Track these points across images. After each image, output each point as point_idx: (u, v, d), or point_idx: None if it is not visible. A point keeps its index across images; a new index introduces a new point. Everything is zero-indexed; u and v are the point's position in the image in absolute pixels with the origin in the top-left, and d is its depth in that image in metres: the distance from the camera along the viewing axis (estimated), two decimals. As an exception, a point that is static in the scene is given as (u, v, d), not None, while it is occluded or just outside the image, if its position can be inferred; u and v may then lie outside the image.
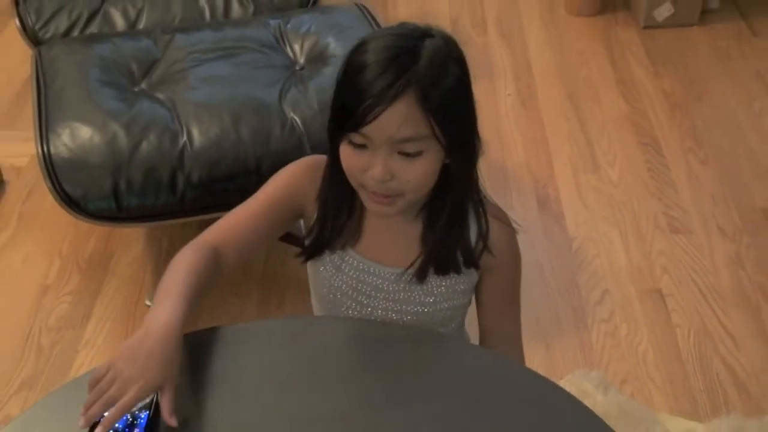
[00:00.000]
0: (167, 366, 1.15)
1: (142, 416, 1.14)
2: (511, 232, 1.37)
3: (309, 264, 1.41)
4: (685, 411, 2.09)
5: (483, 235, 1.33)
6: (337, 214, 1.33)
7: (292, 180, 1.36)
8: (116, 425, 1.11)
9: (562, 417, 1.19)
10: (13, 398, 2.14)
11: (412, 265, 1.33)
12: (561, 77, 3.28)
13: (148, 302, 2.30)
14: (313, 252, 1.37)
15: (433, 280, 1.35)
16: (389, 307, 1.37)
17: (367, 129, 1.17)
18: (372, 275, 1.36)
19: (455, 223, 1.31)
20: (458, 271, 1.34)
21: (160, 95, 2.19)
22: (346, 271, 1.36)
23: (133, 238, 2.58)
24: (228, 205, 2.05)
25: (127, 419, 1.13)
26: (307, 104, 2.14)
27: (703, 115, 3.08)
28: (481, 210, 1.33)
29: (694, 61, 3.34)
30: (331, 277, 1.38)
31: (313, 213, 1.36)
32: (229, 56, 2.30)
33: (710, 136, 2.98)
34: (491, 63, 3.36)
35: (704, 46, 3.41)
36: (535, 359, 2.17)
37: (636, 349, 2.26)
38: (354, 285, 1.37)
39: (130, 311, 2.37)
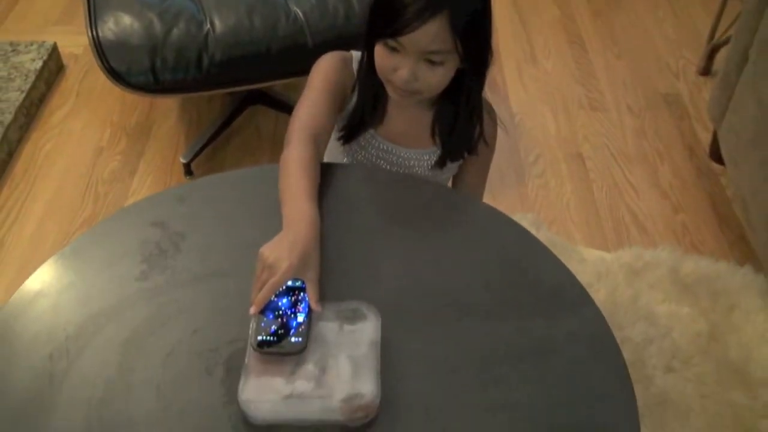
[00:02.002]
0: (309, 254, 1.01)
1: (302, 297, 0.99)
2: (495, 126, 1.33)
3: (333, 140, 1.33)
4: (598, 244, 2.08)
5: (481, 129, 1.28)
6: (370, 100, 1.26)
7: (334, 70, 1.26)
8: (280, 304, 0.97)
9: (507, 236, 1.16)
10: (77, 232, 2.10)
11: (430, 145, 1.29)
12: (508, -12, 3.14)
13: (182, 159, 2.23)
14: (353, 133, 1.29)
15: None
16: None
17: (402, 39, 1.10)
18: (390, 153, 1.31)
19: (469, 120, 1.26)
20: (463, 157, 1.32)
21: (187, -8, 2.06)
22: (369, 149, 1.31)
23: (168, 109, 2.50)
24: (244, 80, 2.03)
25: (291, 299, 0.98)
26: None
27: (619, 20, 2.98)
28: (480, 107, 1.27)
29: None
30: (355, 152, 1.32)
31: (350, 98, 1.28)
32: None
33: (624, 36, 2.89)
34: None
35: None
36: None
37: (561, 198, 2.23)
38: (374, 160, 1.32)
39: (167, 168, 2.30)
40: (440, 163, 1.30)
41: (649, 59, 2.78)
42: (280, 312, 0.96)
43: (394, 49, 1.13)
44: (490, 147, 1.33)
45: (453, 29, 1.09)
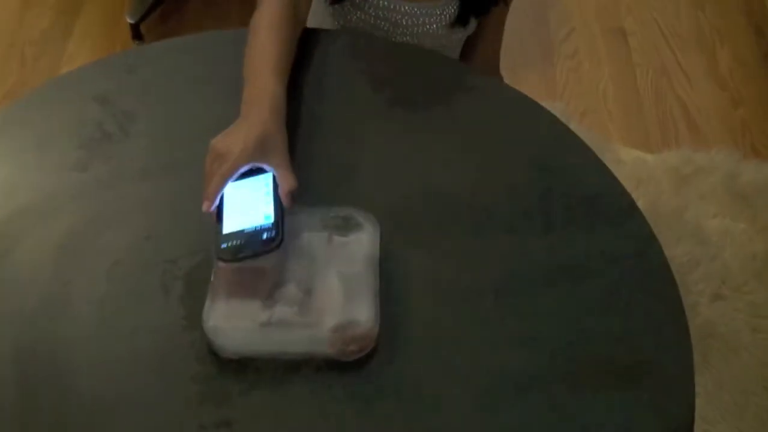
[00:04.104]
0: (269, 136, 0.94)
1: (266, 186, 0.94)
2: None
3: (320, 2, 1.28)
4: (638, 143, 2.06)
5: None
6: None
7: None
8: (239, 197, 0.92)
9: (537, 128, 1.14)
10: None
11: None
12: None
13: (129, 19, 2.15)
14: None
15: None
16: (405, 42, 1.28)
17: None
18: (393, 11, 1.25)
19: None
20: (488, 10, 1.28)
21: None
22: (366, 7, 1.25)
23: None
24: None
25: (253, 191, 0.93)
26: None
27: None
28: None
29: None
30: (348, 14, 1.26)
31: None
32: None
33: None
34: None
35: None
36: (502, 89, 2.10)
37: (597, 84, 2.20)
38: (372, 22, 1.26)
39: (110, 29, 2.23)
40: (462, 19, 1.26)
41: None
42: (241, 206, 0.91)
43: None
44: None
45: None
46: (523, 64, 2.21)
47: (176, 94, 1.13)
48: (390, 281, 0.92)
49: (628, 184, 1.83)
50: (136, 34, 2.16)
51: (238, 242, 0.88)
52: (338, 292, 0.88)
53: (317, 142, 1.06)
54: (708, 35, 2.33)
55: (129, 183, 1.03)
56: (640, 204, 1.80)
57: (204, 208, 0.91)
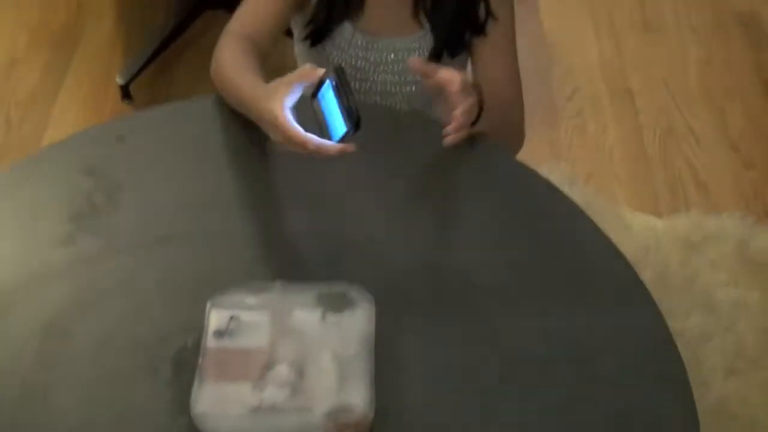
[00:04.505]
0: (269, 89, 1.04)
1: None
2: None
3: (301, 48, 1.33)
4: (647, 207, 2.07)
5: (486, 3, 1.26)
6: None
7: None
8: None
9: (539, 201, 1.15)
10: (-16, 169, 2.07)
11: (417, 28, 1.28)
12: None
13: (119, 80, 2.19)
14: (321, 32, 1.28)
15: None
16: (389, 80, 1.31)
17: None
18: (374, 50, 1.29)
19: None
20: (467, 48, 1.29)
21: None
22: (347, 49, 1.29)
23: (102, 10, 2.44)
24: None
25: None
26: None
27: None
28: None
29: None
30: (328, 54, 1.31)
31: None
32: None
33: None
34: None
35: None
36: (504, 151, 2.12)
37: (603, 145, 2.22)
38: (355, 63, 1.30)
39: (100, 89, 2.25)
40: (436, 55, 1.28)
41: (721, -34, 2.73)
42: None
43: None
44: (502, 20, 1.28)
45: None
46: (527, 124, 2.23)
47: (167, 164, 1.15)
48: (385, 362, 0.93)
49: (636, 251, 1.87)
50: (126, 94, 2.19)
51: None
52: (332, 374, 0.89)
53: (310, 215, 1.08)
54: (717, 94, 2.35)
55: (117, 257, 1.05)
56: (648, 272, 1.83)
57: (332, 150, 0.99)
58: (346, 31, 1.29)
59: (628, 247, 1.85)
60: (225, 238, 1.06)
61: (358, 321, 0.94)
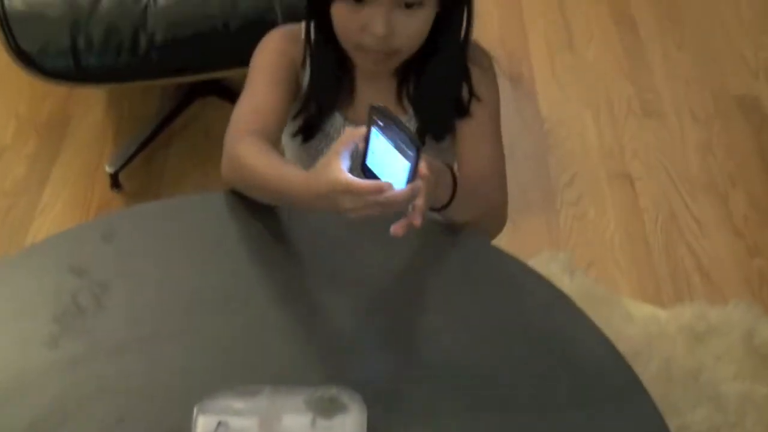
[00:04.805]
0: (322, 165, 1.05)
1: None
2: (492, 75, 1.33)
3: (288, 139, 1.36)
4: (649, 296, 2.08)
5: (469, 85, 1.29)
6: (331, 83, 1.29)
7: (278, 50, 1.30)
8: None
9: (530, 294, 1.17)
10: (-32, 261, 2.08)
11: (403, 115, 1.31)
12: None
13: (108, 168, 2.22)
14: (312, 128, 1.32)
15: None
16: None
17: None
18: None
19: (450, 78, 1.28)
20: (452, 131, 1.31)
21: (123, -51, 2.05)
22: (337, 137, 1.30)
23: (92, 99, 2.48)
24: (193, 69, 2.03)
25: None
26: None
27: (682, -5, 3.00)
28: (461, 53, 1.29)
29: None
30: (323, 147, 1.33)
31: (304, 82, 1.31)
32: None
33: (688, 18, 2.90)
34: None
35: None
36: (502, 239, 2.11)
37: (603, 233, 2.24)
38: None
39: (89, 178, 2.28)
40: (420, 138, 1.30)
41: (719, 49, 2.79)
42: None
43: (359, 2, 1.16)
44: (485, 101, 1.31)
45: None
46: (525, 212, 2.26)
47: (154, 262, 1.17)
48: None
49: (638, 343, 1.88)
50: (115, 183, 2.22)
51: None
52: (322, 483, 0.89)
53: (301, 316, 1.10)
54: (719, 179, 2.38)
55: (102, 360, 1.05)
56: (652, 364, 1.84)
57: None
58: (336, 121, 1.32)
59: (629, 339, 1.88)
60: (212, 339, 1.07)
61: (350, 426, 0.94)
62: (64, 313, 1.10)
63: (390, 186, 0.98)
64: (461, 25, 1.25)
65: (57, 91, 2.46)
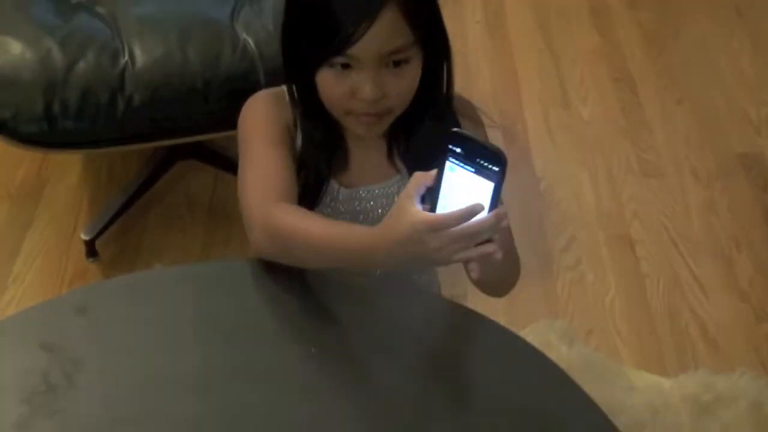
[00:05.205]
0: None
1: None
2: (482, 130, 1.36)
3: None
4: (652, 365, 2.08)
5: None
6: (323, 151, 1.30)
7: (269, 113, 1.31)
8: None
9: (525, 370, 1.17)
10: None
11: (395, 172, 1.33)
12: (532, 5, 3.19)
13: (84, 236, 2.22)
14: (314, 199, 1.32)
15: None
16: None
17: (354, 49, 1.15)
18: (366, 200, 1.34)
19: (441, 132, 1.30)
20: None
21: (100, 9, 2.08)
22: (342, 209, 1.34)
23: (68, 163, 2.50)
24: (172, 133, 2.05)
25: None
26: (262, 25, 2.06)
27: (680, 51, 3.05)
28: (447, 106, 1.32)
29: (671, -8, 3.29)
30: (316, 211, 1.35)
31: (298, 144, 1.32)
32: (178, -33, 2.20)
33: (687, 74, 2.94)
34: (459, -13, 3.28)
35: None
36: (497, 307, 2.12)
37: (603, 298, 2.24)
38: (336, 216, 1.34)
39: (63, 246, 2.29)
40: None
41: (720, 106, 2.82)
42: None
43: (345, 67, 1.18)
44: None
45: (407, 11, 1.16)
46: (520, 277, 2.26)
47: (129, 339, 1.16)
48: None
49: (641, 414, 1.88)
50: (91, 251, 2.22)
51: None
52: None
53: (280, 401, 1.10)
54: (724, 241, 2.39)
55: (73, 443, 1.05)
56: (656, 439, 1.82)
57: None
58: (332, 188, 1.33)
59: (632, 410, 1.88)
60: (190, 420, 1.07)
61: None
62: (34, 393, 1.09)
63: (480, 206, 0.99)
64: (444, 77, 1.29)
65: (31, 155, 2.47)
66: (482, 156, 0.98)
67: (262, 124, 1.30)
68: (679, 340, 2.15)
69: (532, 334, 2.02)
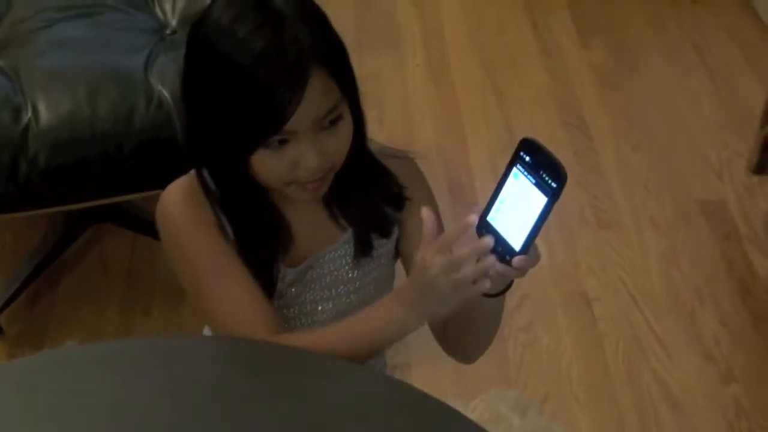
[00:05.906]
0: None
1: None
2: (411, 162, 1.40)
3: None
4: (613, 433, 2.10)
5: (390, 175, 1.35)
6: (268, 230, 1.31)
7: (194, 218, 1.29)
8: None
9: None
10: None
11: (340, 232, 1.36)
12: (477, 45, 3.25)
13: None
14: (270, 293, 1.32)
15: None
16: (318, 297, 1.37)
17: (291, 123, 1.17)
18: (315, 267, 1.35)
19: (370, 178, 1.34)
20: (394, 223, 1.36)
21: (1, 62, 2.10)
22: (303, 286, 1.36)
23: (-31, 231, 2.48)
24: (81, 197, 2.04)
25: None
26: (177, 74, 2.03)
27: (635, 92, 3.10)
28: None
29: (625, 30, 3.35)
30: (293, 298, 1.36)
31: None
32: (87, 16, 2.22)
33: (643, 116, 2.99)
34: (398, 28, 3.31)
35: (637, 14, 3.42)
36: (444, 377, 2.14)
37: (558, 362, 2.25)
38: (285, 293, 1.35)
39: (-36, 319, 2.26)
40: (363, 248, 1.36)
41: (679, 149, 2.87)
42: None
43: (282, 143, 1.20)
44: (423, 190, 1.39)
45: (331, 69, 1.20)
46: (469, 341, 2.27)
47: (34, 423, 1.15)
48: None
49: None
50: (-5, 327, 2.20)
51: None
52: None
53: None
54: (686, 295, 2.42)
55: None
56: None
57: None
58: (278, 272, 1.33)
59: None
60: None
61: None
62: None
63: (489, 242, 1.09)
64: (363, 118, 1.31)
65: (-75, 221, 2.46)
66: (546, 169, 1.05)
67: (194, 235, 1.29)
68: (641, 403, 2.16)
69: (483, 404, 2.02)
